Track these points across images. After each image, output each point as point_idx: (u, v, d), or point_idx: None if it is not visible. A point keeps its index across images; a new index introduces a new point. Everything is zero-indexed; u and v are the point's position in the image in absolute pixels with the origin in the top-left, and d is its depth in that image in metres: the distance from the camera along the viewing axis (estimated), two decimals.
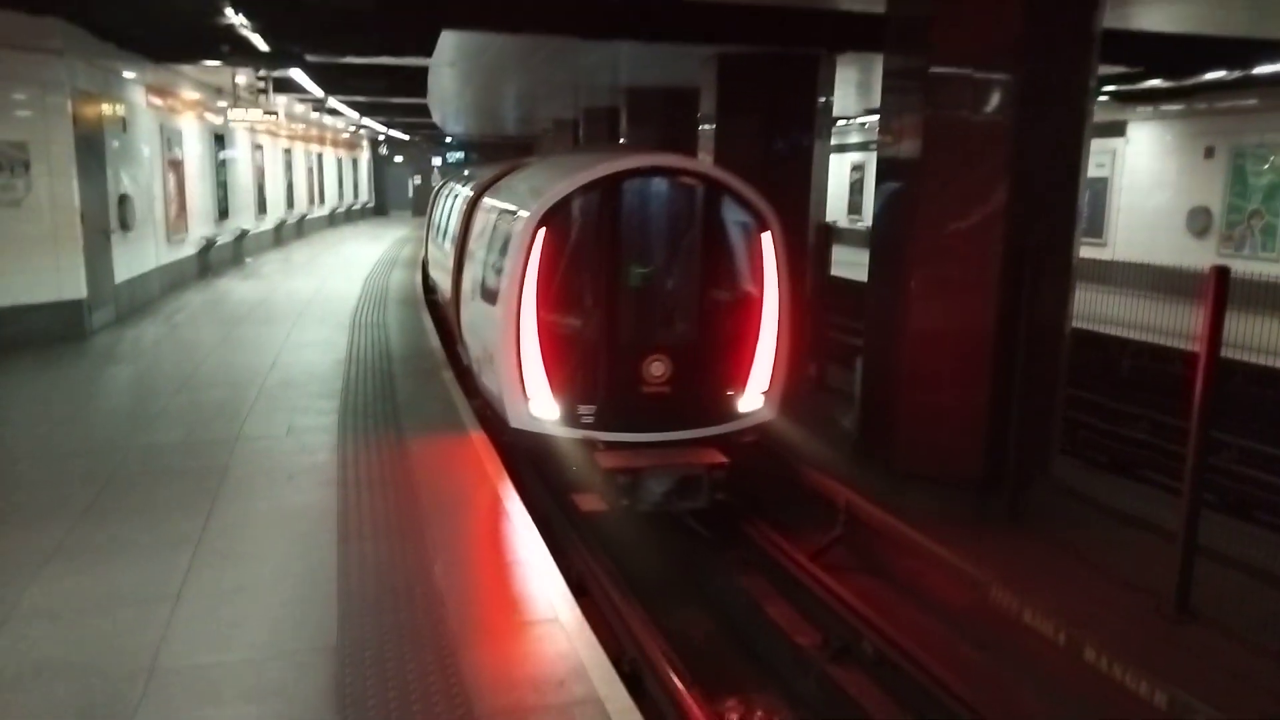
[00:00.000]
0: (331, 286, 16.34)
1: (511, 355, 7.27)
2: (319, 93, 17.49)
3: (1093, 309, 11.47)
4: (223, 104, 17.04)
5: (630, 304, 7.47)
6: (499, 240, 8.07)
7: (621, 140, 17.31)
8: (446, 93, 18.61)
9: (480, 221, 9.45)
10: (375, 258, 21.81)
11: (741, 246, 7.76)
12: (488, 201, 9.50)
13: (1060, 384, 7.82)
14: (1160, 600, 5.86)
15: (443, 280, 11.28)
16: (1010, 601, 6.12)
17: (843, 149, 26.83)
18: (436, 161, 46.20)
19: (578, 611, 4.46)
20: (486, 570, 4.98)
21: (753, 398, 7.84)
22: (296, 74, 14.62)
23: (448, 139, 41.99)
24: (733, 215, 7.72)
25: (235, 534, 5.38)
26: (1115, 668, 5.29)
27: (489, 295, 7.88)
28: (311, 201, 29.08)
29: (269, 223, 22.96)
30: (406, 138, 40.86)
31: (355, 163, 39.18)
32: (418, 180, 46.32)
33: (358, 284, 16.82)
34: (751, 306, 7.78)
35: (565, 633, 4.26)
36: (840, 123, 24.73)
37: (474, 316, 8.57)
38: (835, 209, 24.64)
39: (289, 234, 25.38)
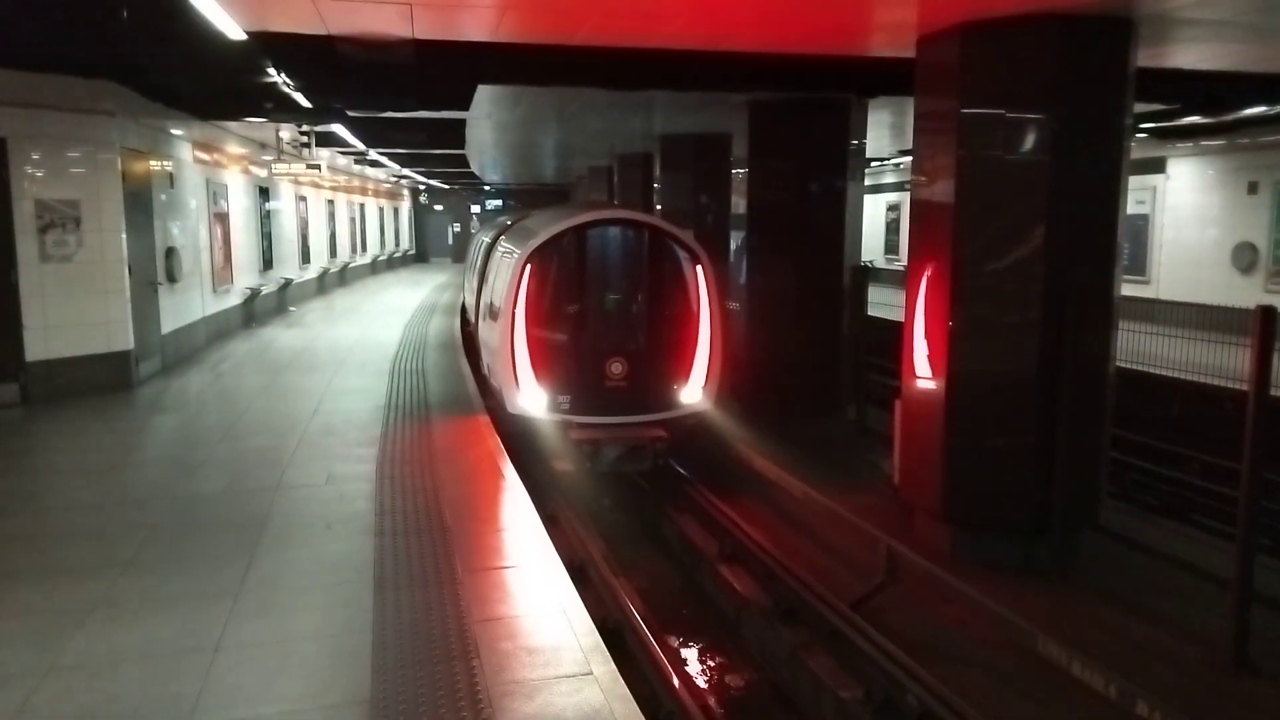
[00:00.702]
0: (372, 334, 16.58)
1: (508, 358, 9.84)
2: (360, 145, 17.87)
3: (1138, 349, 11.28)
4: (267, 158, 17.49)
5: (596, 319, 10.19)
6: (504, 272, 10.66)
7: (655, 186, 17.96)
8: (484, 143, 18.96)
9: (494, 259, 12.35)
10: (415, 304, 22.13)
11: (679, 276, 10.33)
12: (500, 244, 12.61)
13: (1106, 426, 7.66)
14: (1215, 651, 5.67)
15: (471, 307, 14.50)
16: (1058, 652, 5.96)
17: (878, 189, 26.84)
18: (475, 209, 47.09)
19: (612, 666, 4.42)
20: (521, 620, 4.95)
21: (692, 392, 10.27)
22: (338, 128, 14.97)
23: (486, 187, 42.66)
24: (671, 253, 10.33)
25: (273, 585, 5.42)
26: None
27: (494, 314, 10.62)
28: (354, 250, 29.69)
29: (312, 272, 23.43)
30: (446, 187, 41.88)
31: (396, 211, 39.99)
32: (457, 228, 47.18)
33: (398, 330, 17.04)
34: (689, 321, 10.29)
35: (599, 686, 4.21)
36: (875, 164, 24.75)
37: (486, 332, 11.32)
38: (872, 249, 24.58)
39: (332, 282, 25.87)
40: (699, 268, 10.29)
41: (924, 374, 7.89)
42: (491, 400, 10.68)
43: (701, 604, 8.60)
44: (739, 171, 12.80)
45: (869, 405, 12.00)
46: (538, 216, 12.79)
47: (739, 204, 12.75)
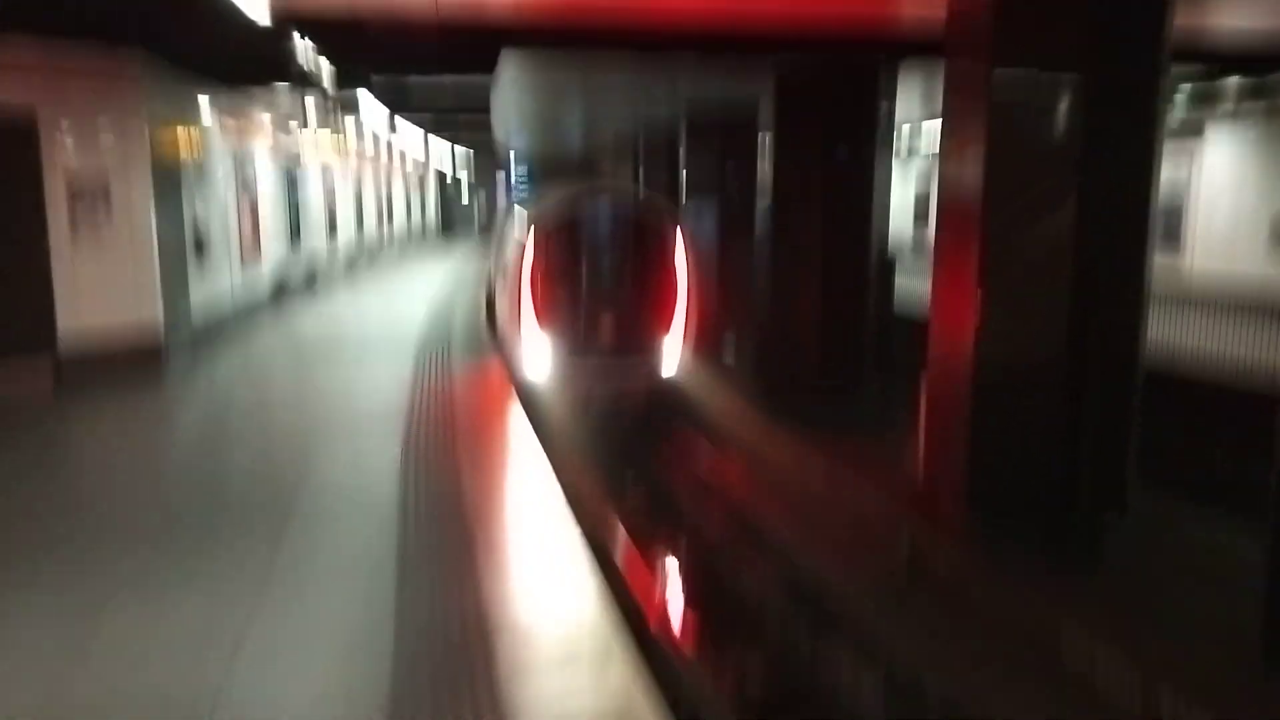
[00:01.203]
0: (400, 306, 16.59)
1: (517, 315, 11.90)
2: (385, 111, 17.77)
3: (1172, 329, 11.01)
4: (294, 124, 17.50)
5: (589, 273, 12.05)
6: (519, 230, 12.68)
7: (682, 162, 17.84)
8: (509, 109, 18.82)
9: (514, 224, 14.08)
10: (440, 277, 22.11)
11: (659, 240, 11.99)
12: (516, 210, 15.63)
13: (1135, 413, 7.50)
14: (1245, 644, 5.54)
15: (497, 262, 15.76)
16: (1084, 642, 5.85)
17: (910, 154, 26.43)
18: (501, 179, 46.75)
19: None
20: (547, 614, 4.89)
21: (671, 340, 11.96)
22: (364, 96, 14.92)
23: (511, 153, 42.40)
24: (652, 219, 12.21)
25: (298, 575, 5.33)
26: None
27: (509, 275, 12.56)
28: (381, 222, 29.80)
29: (340, 244, 23.48)
30: (470, 151, 41.66)
31: (422, 181, 39.96)
32: (481, 197, 46.87)
33: (424, 304, 17.06)
34: (668, 278, 11.96)
35: None
36: (905, 128, 24.34)
37: (499, 293, 13.43)
38: (901, 230, 24.24)
39: (360, 254, 25.92)
40: (675, 231, 12.13)
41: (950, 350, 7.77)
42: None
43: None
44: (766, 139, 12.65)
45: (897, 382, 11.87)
46: (545, 192, 15.61)
47: (765, 177, 12.61)
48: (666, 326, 11.90)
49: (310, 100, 16.25)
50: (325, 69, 12.28)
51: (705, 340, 12.67)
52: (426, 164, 40.42)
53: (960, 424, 7.68)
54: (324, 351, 11.93)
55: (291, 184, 18.75)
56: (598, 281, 11.99)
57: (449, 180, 45.95)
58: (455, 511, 6.08)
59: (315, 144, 17.76)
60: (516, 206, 15.95)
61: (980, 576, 6.88)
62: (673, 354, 11.99)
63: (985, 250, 7.36)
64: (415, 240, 36.72)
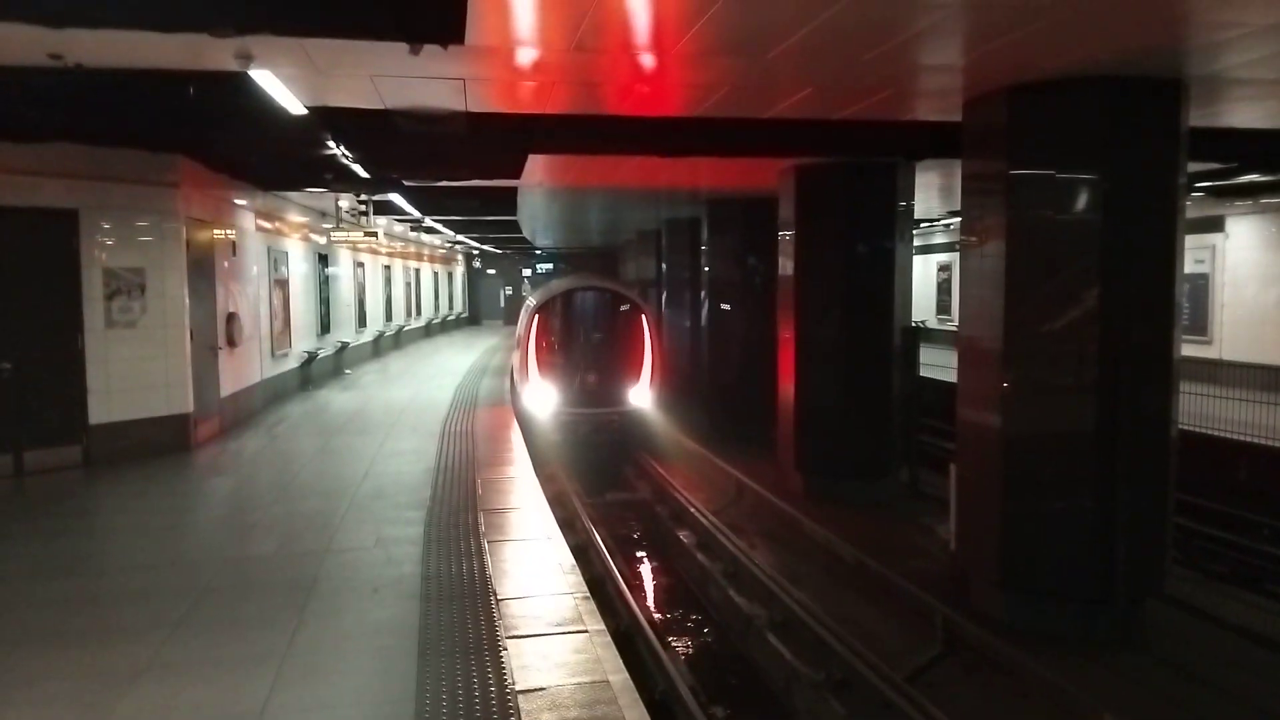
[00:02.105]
0: (425, 395, 16.78)
1: (524, 371, 16.53)
2: (415, 213, 18.34)
3: (1201, 411, 10.96)
4: (326, 225, 18.01)
5: (578, 348, 16.83)
6: (525, 318, 17.43)
7: (703, 248, 18.45)
8: (535, 209, 19.31)
9: (524, 311, 18.63)
10: (466, 366, 22.39)
11: (629, 321, 16.73)
12: (528, 301, 19.47)
13: (1169, 491, 7.42)
14: None
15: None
16: None
17: (928, 250, 26.70)
18: (526, 273, 47.79)
19: None
20: (563, 690, 4.88)
21: (639, 396, 16.33)
22: (395, 197, 15.37)
23: (538, 251, 43.32)
24: (625, 306, 16.97)
25: (319, 649, 5.42)
26: None
27: (520, 343, 17.28)
28: (409, 314, 30.39)
29: (368, 335, 23.94)
30: (499, 251, 42.62)
31: (450, 275, 40.89)
32: (509, 290, 47.86)
33: (449, 392, 17.24)
34: (637, 350, 16.52)
35: None
36: (925, 224, 24.68)
37: (514, 357, 18.20)
38: (923, 309, 24.36)
39: (387, 345, 26.41)
40: (643, 316, 16.73)
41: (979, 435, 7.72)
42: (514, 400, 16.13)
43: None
44: (786, 234, 12.84)
45: (921, 468, 11.78)
46: (550, 283, 20.80)
47: (786, 265, 12.76)
48: (635, 381, 16.43)
49: (344, 202, 16.76)
50: (359, 173, 12.67)
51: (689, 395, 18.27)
52: (454, 259, 41.30)
53: (992, 510, 7.59)
54: (347, 445, 12.02)
55: (323, 280, 19.21)
56: (580, 348, 16.91)
57: (477, 273, 47.16)
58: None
59: (347, 242, 18.25)
60: (528, 296, 23.30)
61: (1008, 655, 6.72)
62: (640, 401, 16.36)
63: (1011, 337, 7.38)
64: (443, 330, 37.40)
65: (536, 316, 16.76)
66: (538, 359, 16.40)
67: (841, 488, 11.99)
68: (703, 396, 17.98)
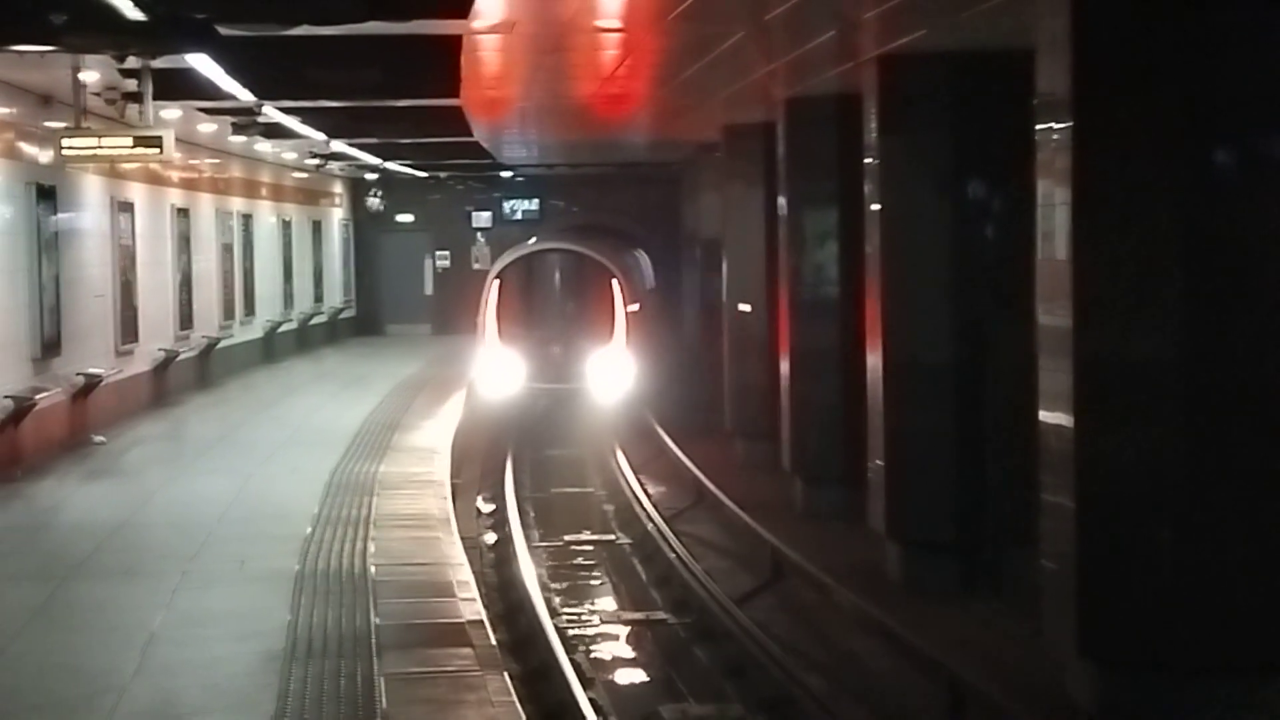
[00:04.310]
0: (263, 490, 10.16)
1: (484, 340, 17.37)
2: (245, 95, 11.03)
3: None
4: (54, 125, 10.96)
5: (544, 315, 17.62)
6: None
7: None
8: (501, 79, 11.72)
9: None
10: (351, 427, 13.48)
11: (601, 286, 17.26)
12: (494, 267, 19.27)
13: None
14: None
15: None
16: None
17: None
18: (483, 220, 26.75)
19: None
20: None
21: (609, 367, 16.75)
22: (198, 62, 8.72)
23: (506, 173, 25.00)
24: (595, 269, 17.48)
25: None
26: None
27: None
28: (229, 314, 18.67)
29: (142, 360, 14.61)
30: (425, 176, 24.52)
31: (319, 229, 24.38)
32: (444, 260, 27.06)
33: (317, 482, 10.30)
34: (608, 318, 17.04)
35: None
36: None
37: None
38: None
39: (184, 377, 16.10)
40: (615, 280, 17.14)
41: None
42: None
43: None
44: None
45: None
46: (514, 248, 19.42)
47: None
48: (603, 353, 16.61)
49: (91, 75, 9.95)
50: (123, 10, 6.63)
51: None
52: (327, 195, 25.60)
53: None
54: (95, 602, 6.33)
55: (47, 241, 11.60)
56: (543, 317, 17.37)
57: (374, 226, 26.86)
58: None
59: (99, 158, 11.15)
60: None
61: None
62: (609, 374, 16.54)
63: None
64: (300, 346, 22.81)
65: (498, 284, 17.30)
66: (498, 328, 16.97)
67: None
68: None
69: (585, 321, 16.84)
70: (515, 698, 5.18)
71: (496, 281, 17.06)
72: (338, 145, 17.19)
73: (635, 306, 17.28)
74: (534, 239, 19.46)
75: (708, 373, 18.52)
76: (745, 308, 14.87)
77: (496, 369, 16.26)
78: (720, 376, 16.12)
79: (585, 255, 17.65)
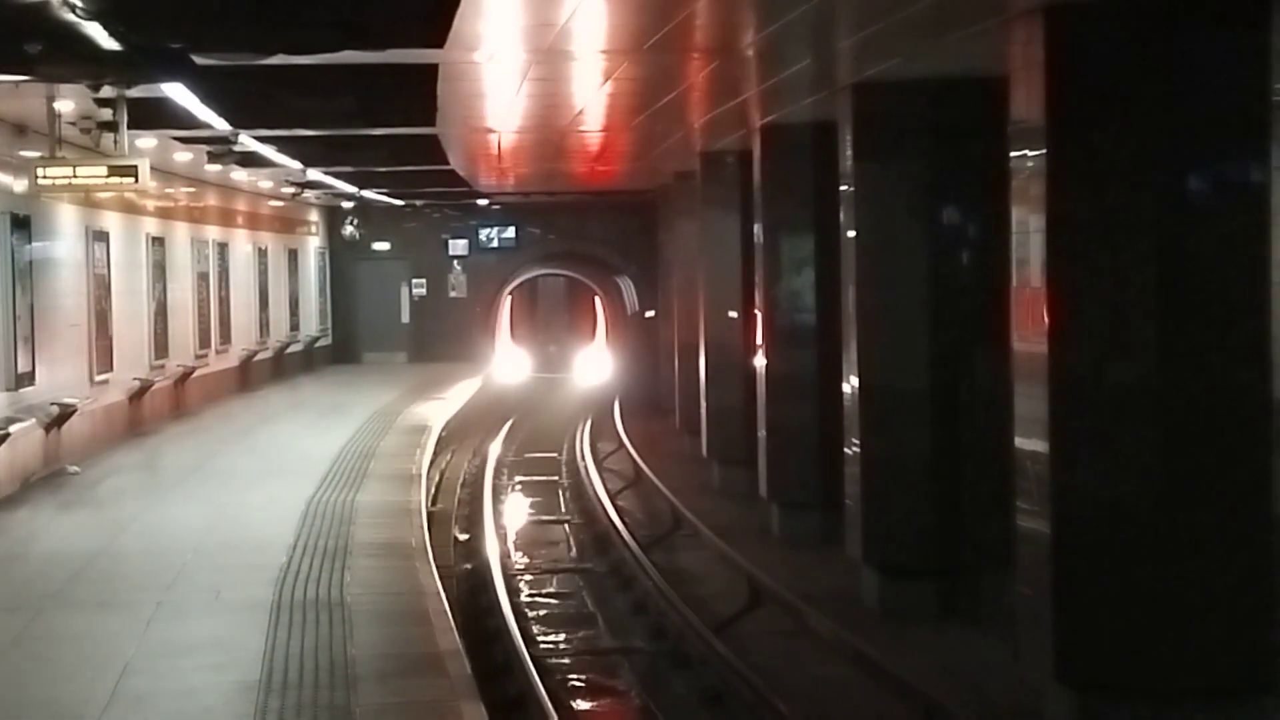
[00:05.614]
0: (239, 517, 10.09)
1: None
2: (221, 124, 10.97)
3: None
4: (30, 154, 10.80)
5: (544, 323, 34.27)
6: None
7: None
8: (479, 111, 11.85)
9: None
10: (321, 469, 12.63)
11: (587, 301, 32.12)
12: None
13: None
14: None
15: None
16: None
17: None
18: (460, 248, 26.76)
19: None
20: None
21: (592, 362, 30.80)
22: (174, 91, 8.67)
23: (481, 202, 24.84)
24: (583, 288, 31.50)
25: None
26: None
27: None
28: (204, 342, 18.25)
29: (115, 389, 14.39)
30: (401, 204, 24.94)
31: (294, 258, 24.28)
32: (421, 288, 27.06)
33: (289, 522, 9.97)
34: (591, 326, 32.57)
35: None
36: None
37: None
38: None
39: (158, 405, 16.23)
40: (597, 297, 29.21)
41: None
42: None
43: None
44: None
45: None
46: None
47: None
48: (587, 352, 27.25)
49: (67, 104, 9.86)
50: (96, 37, 6.62)
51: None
52: (304, 223, 25.28)
53: None
54: (69, 633, 6.06)
55: (18, 270, 11.56)
56: (544, 323, 29.35)
57: (351, 254, 26.60)
58: None
59: (75, 187, 11.00)
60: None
61: None
62: (587, 362, 28.09)
63: None
64: (279, 373, 22.75)
65: (510, 298, 22.90)
66: (511, 330, 25.10)
67: None
68: None
69: (575, 328, 24.79)
70: None
71: (509, 297, 23.31)
72: (314, 174, 16.88)
73: (613, 318, 23.13)
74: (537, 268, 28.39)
75: (665, 371, 22.22)
76: (721, 332, 14.76)
77: (509, 361, 23.60)
78: (670, 374, 20.34)
79: (575, 279, 23.55)
